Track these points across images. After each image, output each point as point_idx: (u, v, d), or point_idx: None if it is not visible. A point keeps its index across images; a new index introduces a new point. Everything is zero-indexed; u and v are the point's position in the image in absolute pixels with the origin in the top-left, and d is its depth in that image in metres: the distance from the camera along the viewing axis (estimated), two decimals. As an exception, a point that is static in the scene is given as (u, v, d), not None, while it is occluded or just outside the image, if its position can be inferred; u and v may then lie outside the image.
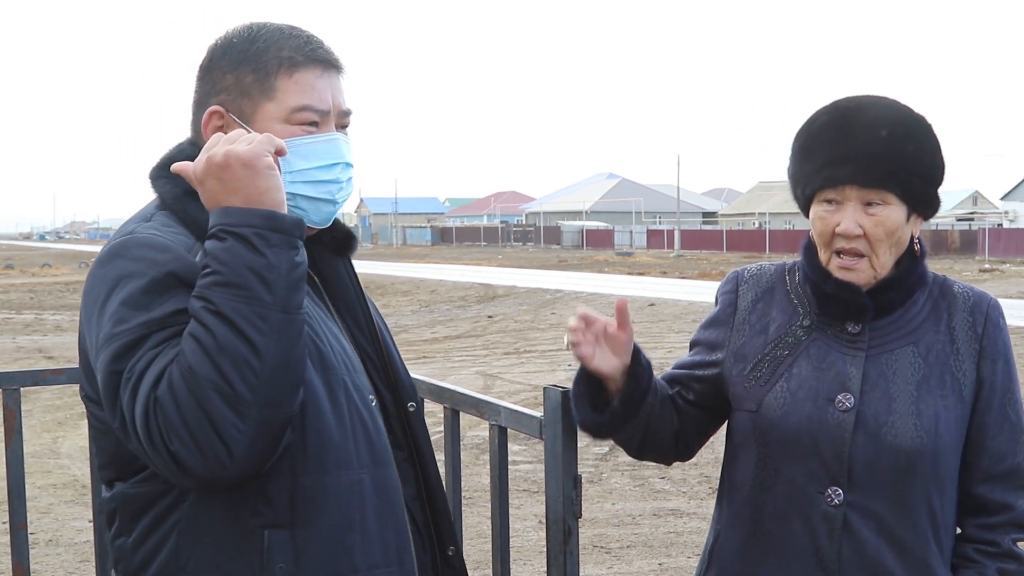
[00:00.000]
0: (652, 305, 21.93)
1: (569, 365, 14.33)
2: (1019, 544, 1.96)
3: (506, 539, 2.31)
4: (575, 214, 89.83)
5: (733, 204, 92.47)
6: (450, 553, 2.01)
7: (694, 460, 8.49)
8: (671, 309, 21.11)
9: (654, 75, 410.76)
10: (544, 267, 41.43)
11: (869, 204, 1.89)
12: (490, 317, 20.62)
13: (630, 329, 1.97)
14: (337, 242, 1.96)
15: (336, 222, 1.95)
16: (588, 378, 2.01)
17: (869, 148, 1.87)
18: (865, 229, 1.89)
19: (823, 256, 1.95)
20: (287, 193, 1.80)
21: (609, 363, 1.96)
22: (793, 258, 2.11)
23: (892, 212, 1.90)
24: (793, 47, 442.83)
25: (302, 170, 1.81)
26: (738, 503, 2.00)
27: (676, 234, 60.98)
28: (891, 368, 1.92)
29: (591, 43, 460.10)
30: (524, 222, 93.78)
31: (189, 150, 1.85)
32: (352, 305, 1.97)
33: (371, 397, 1.84)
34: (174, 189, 1.80)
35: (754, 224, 75.22)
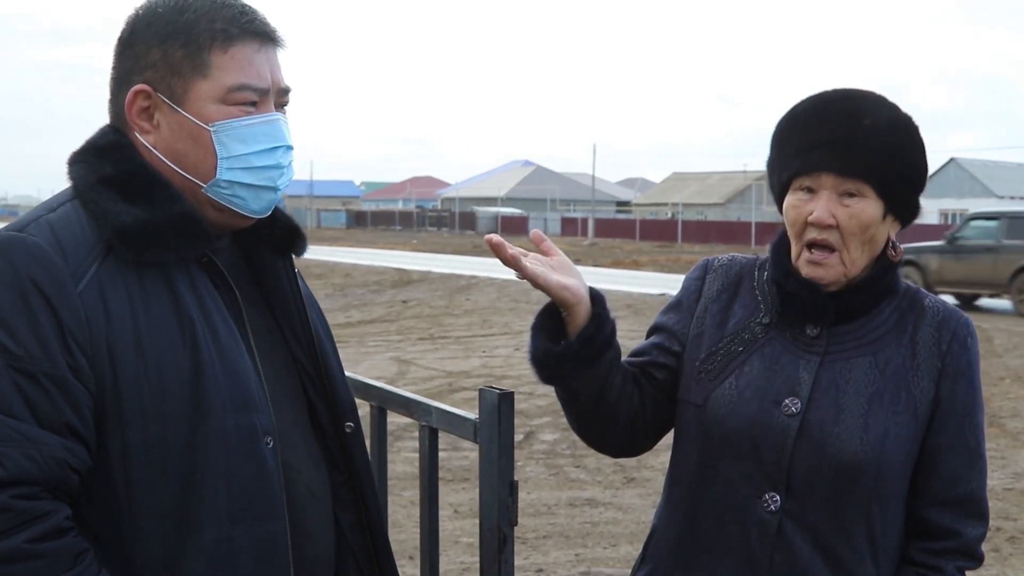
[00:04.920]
0: (567, 293, 21.95)
1: (484, 351, 14.29)
2: (965, 573, 1.89)
3: (435, 544, 2.21)
4: (490, 200, 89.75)
5: (647, 194, 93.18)
6: None
7: (609, 450, 8.30)
8: (586, 297, 21.14)
9: (570, 64, 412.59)
10: (459, 252, 41.29)
11: (845, 195, 1.82)
12: (405, 302, 20.46)
13: (559, 253, 1.88)
14: (278, 239, 1.82)
15: (279, 216, 1.82)
16: (552, 311, 1.88)
17: (847, 135, 1.80)
18: (839, 220, 1.81)
19: (794, 250, 1.88)
20: (224, 181, 1.67)
21: (570, 281, 1.82)
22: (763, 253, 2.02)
23: (868, 206, 1.82)
24: (708, 39, 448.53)
25: (241, 155, 1.67)
26: (676, 499, 1.95)
27: (590, 222, 61.27)
28: (844, 377, 1.85)
29: (507, 29, 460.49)
30: (439, 207, 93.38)
31: (113, 136, 1.70)
32: (290, 312, 1.82)
33: (267, 439, 1.66)
34: (88, 176, 1.65)
35: (667, 214, 75.88)
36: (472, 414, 2.10)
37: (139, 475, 1.58)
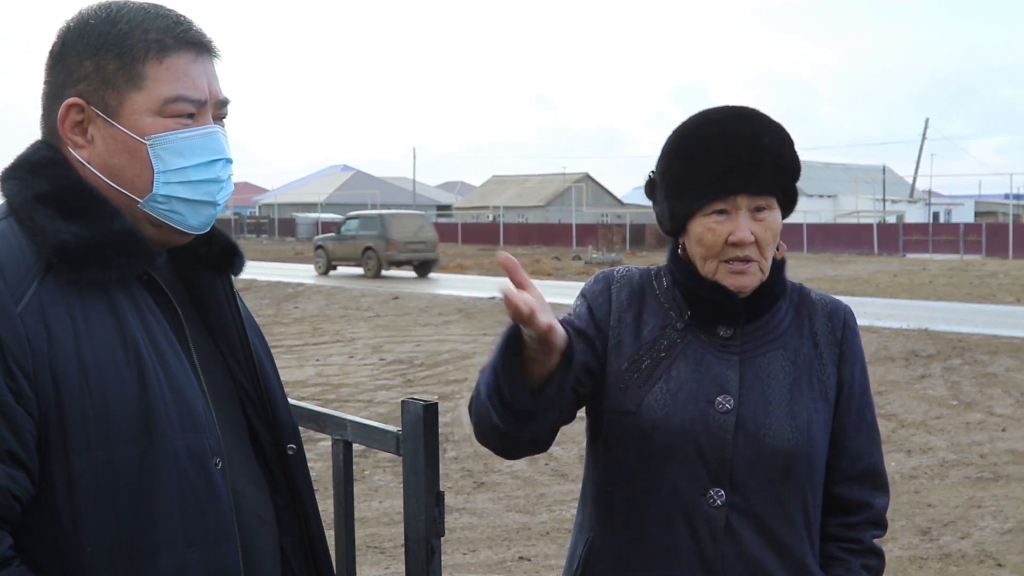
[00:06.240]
0: (396, 298, 21.89)
1: (317, 360, 14.07)
2: (876, 540, 2.04)
3: (352, 559, 2.17)
4: (310, 206, 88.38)
5: (467, 197, 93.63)
6: None
7: (455, 454, 8.43)
8: (416, 302, 21.13)
9: (386, 65, 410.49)
10: (281, 259, 40.55)
11: (756, 210, 1.92)
12: (231, 313, 19.95)
13: (534, 286, 1.61)
14: (215, 257, 1.76)
15: (216, 233, 1.76)
16: (515, 345, 1.65)
17: (757, 156, 1.90)
18: (757, 235, 1.91)
19: (708, 266, 1.95)
20: (161, 196, 1.62)
21: (556, 323, 1.60)
22: (650, 262, 2.08)
23: (776, 215, 1.95)
24: (523, 41, 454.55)
25: (179, 169, 1.61)
26: (612, 506, 1.97)
27: (413, 227, 61.08)
28: (765, 371, 1.95)
29: (320, 30, 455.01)
30: (258, 214, 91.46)
31: (46, 152, 1.62)
32: (228, 332, 1.76)
33: (216, 460, 1.61)
34: (23, 192, 1.57)
35: (488, 217, 76.46)
36: (392, 427, 2.08)
37: (86, 502, 1.50)
